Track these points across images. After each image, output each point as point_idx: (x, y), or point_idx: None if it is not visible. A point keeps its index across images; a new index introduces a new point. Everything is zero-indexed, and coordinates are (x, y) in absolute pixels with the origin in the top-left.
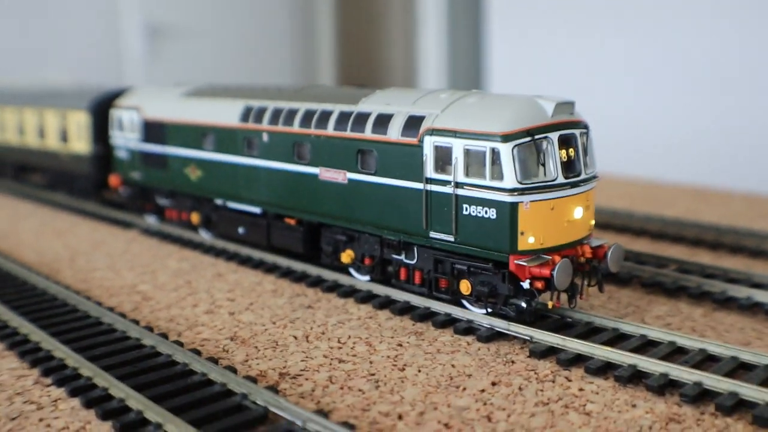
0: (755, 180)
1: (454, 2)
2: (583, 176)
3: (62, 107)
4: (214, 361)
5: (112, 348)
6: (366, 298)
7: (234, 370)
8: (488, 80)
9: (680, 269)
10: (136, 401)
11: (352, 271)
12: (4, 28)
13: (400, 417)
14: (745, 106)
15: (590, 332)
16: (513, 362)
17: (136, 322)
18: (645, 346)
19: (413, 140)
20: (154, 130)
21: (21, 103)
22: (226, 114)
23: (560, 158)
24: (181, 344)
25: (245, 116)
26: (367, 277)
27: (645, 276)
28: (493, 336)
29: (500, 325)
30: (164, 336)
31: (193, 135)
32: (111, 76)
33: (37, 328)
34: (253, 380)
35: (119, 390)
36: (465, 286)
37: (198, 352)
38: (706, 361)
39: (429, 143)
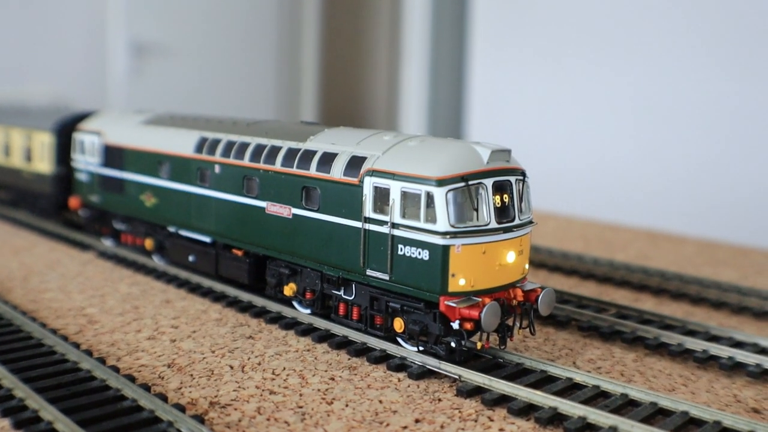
0: (708, 225)
1: (438, 39)
2: (516, 222)
3: (28, 127)
4: (147, 388)
5: (49, 370)
6: (307, 330)
7: (165, 398)
8: (468, 114)
9: (618, 314)
10: (63, 424)
11: (295, 303)
12: None
13: None
14: (705, 151)
15: (519, 373)
16: (440, 400)
17: (77, 346)
18: (570, 389)
19: (354, 180)
20: (113, 155)
21: None
22: (181, 144)
23: (494, 204)
24: (117, 369)
25: (200, 147)
26: (309, 310)
27: (583, 320)
28: (423, 373)
29: (431, 363)
30: (102, 360)
31: (150, 162)
32: (95, 93)
33: None
34: (182, 408)
35: (48, 413)
36: (398, 324)
37: (133, 378)
38: (626, 405)
39: (369, 183)
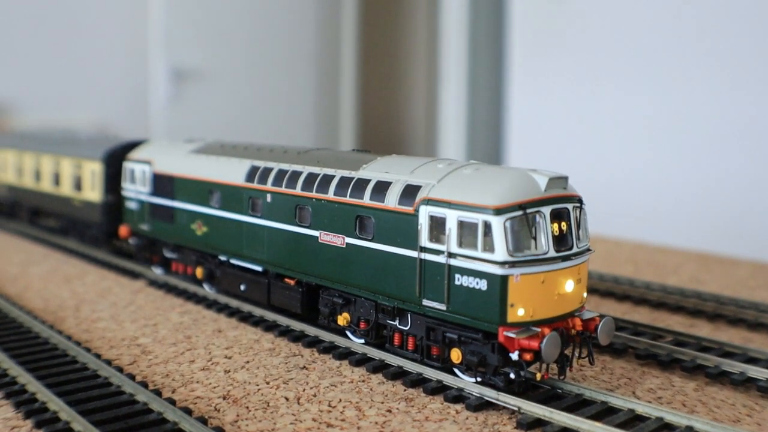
0: (761, 247)
1: (475, 61)
2: (574, 250)
3: (78, 156)
4: (204, 421)
5: (106, 402)
6: (361, 361)
7: (222, 431)
8: (507, 139)
9: (676, 341)
10: None
11: (348, 333)
12: (33, 69)
13: None
14: (753, 171)
15: (579, 404)
16: None
17: (132, 377)
18: (633, 421)
19: (409, 209)
20: (163, 184)
21: (39, 150)
22: (232, 173)
23: (552, 232)
24: (173, 402)
25: (251, 176)
26: (363, 340)
27: (640, 347)
28: (482, 405)
29: (490, 394)
30: (158, 393)
31: (201, 191)
32: (137, 119)
33: (35, 378)
34: None
35: None
36: (456, 355)
37: (189, 411)
38: None
39: (424, 213)
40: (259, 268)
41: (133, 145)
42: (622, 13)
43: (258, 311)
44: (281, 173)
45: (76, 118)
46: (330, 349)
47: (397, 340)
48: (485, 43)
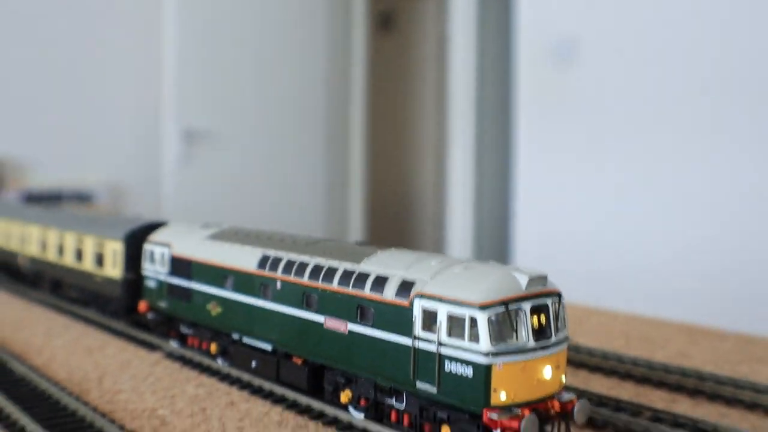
0: (750, 320)
1: (482, 129)
2: (553, 340)
3: (100, 235)
4: None
5: None
6: None
7: None
8: (514, 205)
9: (653, 417)
10: None
11: (350, 408)
12: (47, 128)
13: None
14: (746, 245)
15: None
16: None
17: None
18: None
19: (405, 302)
20: (181, 266)
21: (63, 227)
22: (245, 260)
23: (531, 325)
24: None
25: (262, 264)
26: (362, 415)
27: (619, 424)
28: None
29: None
30: None
31: (216, 275)
32: (148, 177)
33: None
34: None
35: None
36: None
37: None
38: None
39: (418, 306)
40: (268, 347)
41: (152, 227)
42: (627, 79)
43: (267, 385)
44: (290, 263)
45: (88, 177)
46: (333, 422)
47: (394, 417)
48: (492, 107)
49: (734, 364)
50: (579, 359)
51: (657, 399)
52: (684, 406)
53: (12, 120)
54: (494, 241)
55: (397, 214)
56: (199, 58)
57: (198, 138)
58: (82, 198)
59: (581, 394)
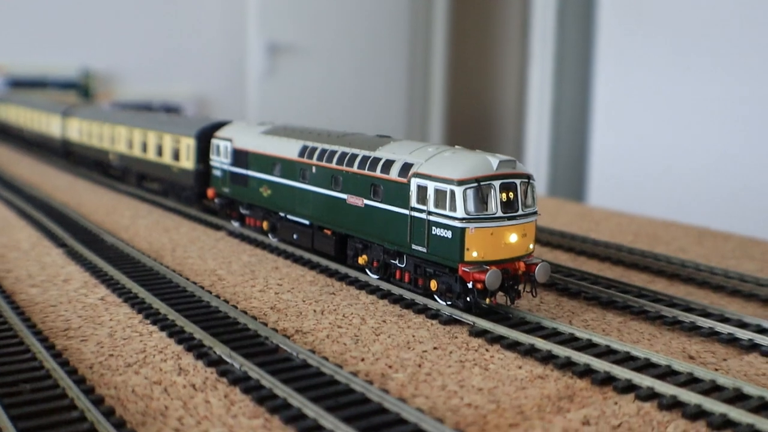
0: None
1: (563, 43)
2: (519, 212)
3: (176, 133)
4: (254, 318)
5: (193, 306)
6: (374, 290)
7: (265, 324)
8: (592, 116)
9: (621, 289)
10: (200, 335)
11: (367, 270)
12: (138, 43)
13: (362, 360)
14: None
15: (520, 324)
16: (456, 337)
17: (209, 292)
18: (552, 335)
19: (404, 180)
20: (240, 157)
21: (146, 127)
22: (289, 150)
23: (501, 199)
24: (235, 307)
25: (302, 153)
26: (377, 276)
27: (589, 292)
28: (450, 320)
29: (456, 313)
30: (226, 301)
31: (267, 163)
32: (233, 90)
33: (146, 290)
34: (275, 330)
35: (190, 328)
36: (433, 284)
37: (245, 313)
38: (588, 347)
39: (414, 183)
40: (306, 222)
41: (219, 125)
42: None
43: (305, 255)
44: (323, 152)
45: (176, 88)
46: (354, 282)
47: (398, 275)
48: (573, 23)
49: (725, 259)
50: (587, 249)
51: (638, 279)
52: (659, 286)
53: (101, 35)
54: (572, 155)
55: (477, 126)
56: None
57: (282, 51)
58: (170, 110)
59: (570, 272)
